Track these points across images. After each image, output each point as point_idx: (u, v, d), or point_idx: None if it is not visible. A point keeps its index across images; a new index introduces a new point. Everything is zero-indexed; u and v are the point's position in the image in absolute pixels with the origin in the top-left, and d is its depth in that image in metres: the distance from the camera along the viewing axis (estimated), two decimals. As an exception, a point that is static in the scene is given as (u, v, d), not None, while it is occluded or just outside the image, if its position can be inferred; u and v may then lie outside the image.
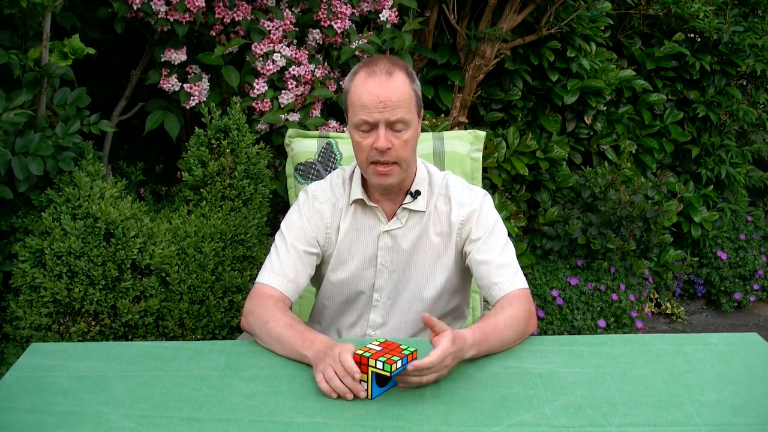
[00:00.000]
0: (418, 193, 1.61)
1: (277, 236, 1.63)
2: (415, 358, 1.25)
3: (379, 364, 1.22)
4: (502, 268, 1.56)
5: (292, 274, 1.57)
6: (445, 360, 1.26)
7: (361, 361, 1.24)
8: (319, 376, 1.27)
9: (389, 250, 1.64)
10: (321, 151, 2.00)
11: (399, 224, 1.62)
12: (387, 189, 1.58)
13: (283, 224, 1.65)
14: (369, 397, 1.26)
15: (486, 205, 1.64)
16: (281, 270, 1.57)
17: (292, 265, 1.58)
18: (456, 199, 1.63)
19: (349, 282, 1.66)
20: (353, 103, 1.50)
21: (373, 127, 1.49)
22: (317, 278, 1.72)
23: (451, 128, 2.70)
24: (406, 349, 1.26)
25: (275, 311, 1.47)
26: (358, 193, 1.62)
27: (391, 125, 1.48)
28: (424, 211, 1.63)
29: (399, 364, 1.22)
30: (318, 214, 1.63)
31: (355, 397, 1.25)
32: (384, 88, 1.46)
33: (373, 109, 1.46)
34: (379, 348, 1.27)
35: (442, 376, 1.29)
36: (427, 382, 1.28)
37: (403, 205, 1.61)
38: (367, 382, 1.25)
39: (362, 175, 1.62)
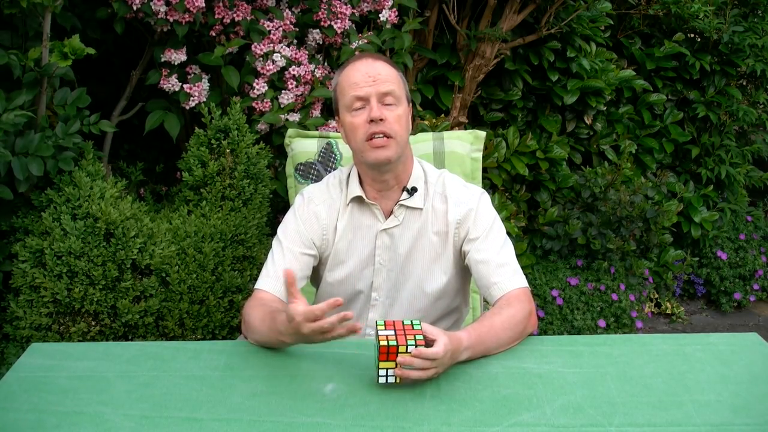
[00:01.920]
0: (414, 189, 1.61)
1: (274, 241, 1.63)
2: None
3: (411, 348, 1.25)
4: (500, 268, 1.55)
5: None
6: (445, 356, 1.27)
7: (390, 350, 1.25)
8: (324, 340, 1.28)
9: (387, 248, 1.64)
10: (321, 151, 2.00)
11: (396, 222, 1.62)
12: (384, 169, 1.56)
13: (279, 228, 1.65)
14: (397, 381, 1.28)
15: (483, 203, 1.63)
16: (276, 273, 1.57)
17: (288, 268, 1.57)
18: (453, 197, 1.63)
19: (347, 281, 1.66)
20: (343, 88, 1.54)
21: (365, 102, 1.52)
22: (316, 279, 1.73)
23: (451, 128, 2.70)
24: (413, 325, 1.28)
25: (255, 311, 1.47)
26: (356, 190, 1.62)
27: (381, 98, 1.52)
28: (422, 209, 1.63)
29: (423, 339, 1.27)
30: (314, 215, 1.63)
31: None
32: (372, 66, 1.53)
33: (363, 84, 1.51)
34: (392, 332, 1.27)
35: (437, 373, 1.30)
36: (426, 378, 1.28)
37: (400, 202, 1.61)
38: (394, 369, 1.27)
39: (359, 174, 1.63)
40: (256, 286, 1.58)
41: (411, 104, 1.62)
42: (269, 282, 1.57)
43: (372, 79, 1.51)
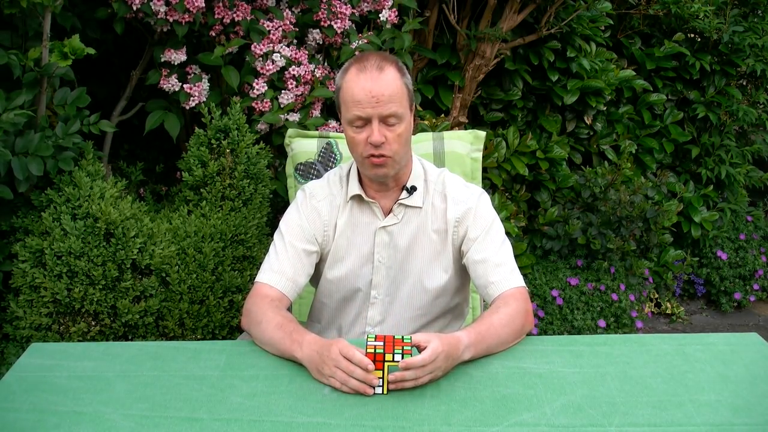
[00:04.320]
0: (414, 188, 1.62)
1: (276, 235, 1.64)
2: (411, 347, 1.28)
3: (398, 357, 1.25)
4: (498, 267, 1.56)
5: (291, 273, 1.58)
6: (437, 360, 1.27)
7: (376, 358, 1.26)
8: (333, 383, 1.28)
9: (386, 246, 1.64)
10: (321, 151, 2.00)
11: (395, 220, 1.63)
12: (382, 180, 1.58)
13: (281, 223, 1.65)
14: (385, 391, 1.27)
15: (482, 203, 1.64)
16: (279, 268, 1.57)
17: (291, 264, 1.58)
18: (452, 196, 1.63)
19: (346, 279, 1.67)
20: (346, 100, 1.51)
21: (366, 122, 1.50)
22: (315, 276, 1.72)
23: (451, 128, 2.70)
24: (403, 338, 1.28)
25: (268, 311, 1.47)
26: (355, 189, 1.62)
27: (384, 119, 1.49)
28: (421, 207, 1.63)
29: (412, 352, 1.27)
30: (316, 212, 1.64)
31: (370, 390, 1.27)
32: (376, 84, 1.47)
33: (366, 105, 1.47)
34: (381, 343, 1.27)
35: (436, 377, 1.30)
36: (422, 384, 1.28)
37: (399, 201, 1.62)
38: (382, 378, 1.27)
39: (359, 172, 1.63)
40: (257, 279, 1.58)
41: (414, 109, 1.60)
42: (272, 276, 1.57)
43: (375, 100, 1.47)
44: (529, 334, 1.51)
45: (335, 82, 1.59)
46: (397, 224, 1.63)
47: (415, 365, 1.25)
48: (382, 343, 1.27)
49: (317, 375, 1.31)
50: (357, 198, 1.63)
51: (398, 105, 1.49)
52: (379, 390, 1.27)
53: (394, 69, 1.51)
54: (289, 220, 1.64)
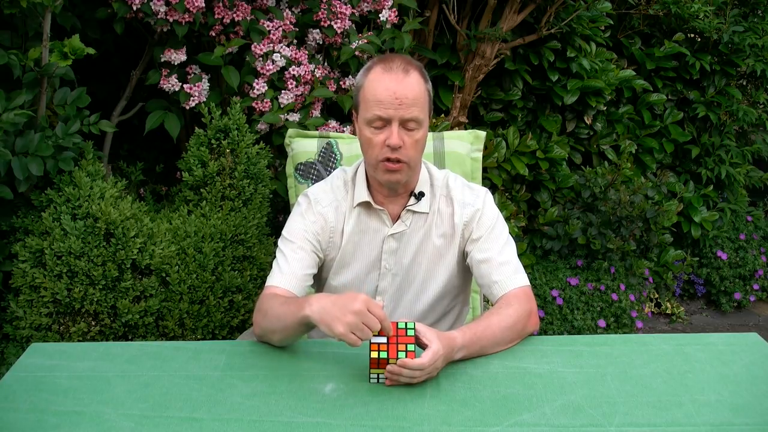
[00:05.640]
0: (422, 194, 1.60)
1: (280, 242, 1.61)
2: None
3: (402, 356, 1.26)
4: (502, 266, 1.55)
5: (300, 272, 1.55)
6: (436, 362, 1.28)
7: (380, 364, 1.27)
8: (350, 338, 1.23)
9: (393, 253, 1.63)
10: (321, 151, 2.00)
11: (404, 227, 1.61)
12: (394, 187, 1.56)
13: (284, 231, 1.62)
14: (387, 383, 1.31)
15: (487, 203, 1.63)
16: (288, 270, 1.55)
17: (298, 264, 1.56)
18: (458, 199, 1.62)
19: (351, 285, 1.65)
20: (367, 99, 1.48)
21: (386, 123, 1.47)
22: (318, 283, 1.71)
23: (451, 128, 2.70)
24: (407, 329, 1.28)
25: (273, 300, 1.46)
26: (363, 195, 1.59)
27: (404, 123, 1.46)
28: (428, 213, 1.62)
29: (416, 353, 1.28)
30: (322, 217, 1.61)
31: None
32: (400, 85, 1.45)
33: (389, 105, 1.45)
34: (384, 339, 1.28)
35: (431, 377, 1.31)
36: (417, 383, 1.29)
37: (408, 207, 1.60)
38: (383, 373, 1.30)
39: (367, 177, 1.61)
40: (268, 283, 1.55)
41: (431, 115, 1.58)
42: (283, 278, 1.53)
43: (398, 102, 1.44)
44: (531, 333, 1.51)
45: (355, 80, 1.55)
46: (406, 231, 1.62)
47: (413, 367, 1.26)
48: (385, 339, 1.27)
49: (333, 326, 1.25)
50: (364, 204, 1.61)
51: (420, 110, 1.47)
52: (383, 380, 1.30)
53: (418, 73, 1.49)
54: (292, 227, 1.61)
